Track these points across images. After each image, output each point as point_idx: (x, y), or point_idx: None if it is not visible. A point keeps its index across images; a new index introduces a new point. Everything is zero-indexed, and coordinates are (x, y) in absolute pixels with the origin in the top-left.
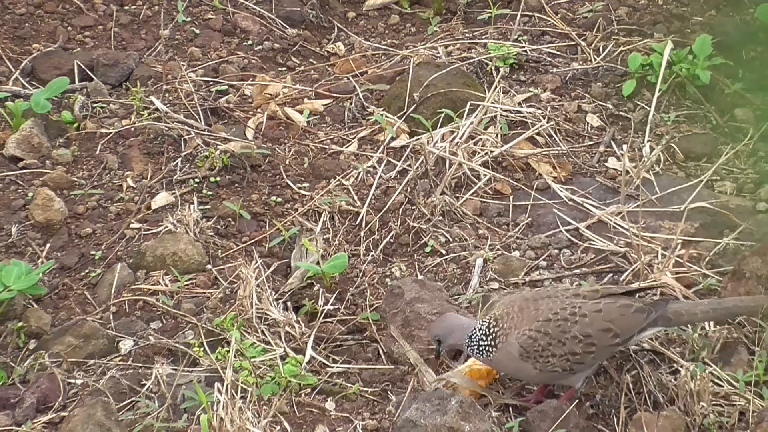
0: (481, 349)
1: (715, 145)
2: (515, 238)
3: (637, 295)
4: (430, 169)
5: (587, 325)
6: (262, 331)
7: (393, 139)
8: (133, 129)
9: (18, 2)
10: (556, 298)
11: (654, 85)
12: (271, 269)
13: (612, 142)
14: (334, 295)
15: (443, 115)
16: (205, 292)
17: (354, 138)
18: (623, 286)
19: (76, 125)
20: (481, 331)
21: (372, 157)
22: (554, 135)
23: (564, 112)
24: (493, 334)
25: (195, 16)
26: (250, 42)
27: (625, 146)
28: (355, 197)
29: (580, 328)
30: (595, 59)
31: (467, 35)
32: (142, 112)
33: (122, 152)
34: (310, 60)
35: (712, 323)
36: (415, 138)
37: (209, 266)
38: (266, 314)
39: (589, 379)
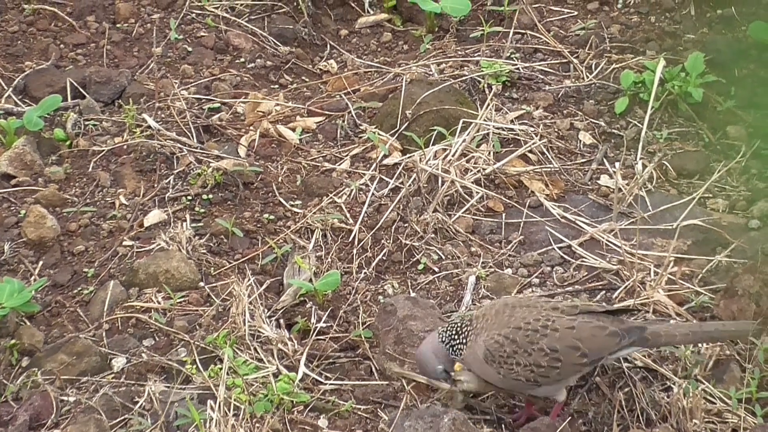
0: (454, 347)
1: (708, 163)
2: (508, 255)
3: (622, 315)
4: (423, 187)
5: (556, 340)
6: (255, 349)
7: (385, 156)
8: (125, 146)
9: (10, 20)
10: (534, 307)
11: (646, 103)
12: (264, 287)
13: (604, 160)
14: (327, 313)
15: (436, 132)
16: (197, 310)
17: (346, 155)
18: (602, 305)
19: (68, 143)
20: (451, 330)
21: (364, 174)
22: (546, 152)
23: (556, 130)
24: (465, 333)
25: (187, 34)
26: (242, 59)
27: (617, 164)
28: (348, 215)
29: (549, 341)
30: (588, 77)
31: (459, 53)
32: (134, 130)
33: (114, 170)
34: (303, 78)
35: None
36: (408, 155)
37: (202, 284)
38: (259, 332)
39: (582, 396)
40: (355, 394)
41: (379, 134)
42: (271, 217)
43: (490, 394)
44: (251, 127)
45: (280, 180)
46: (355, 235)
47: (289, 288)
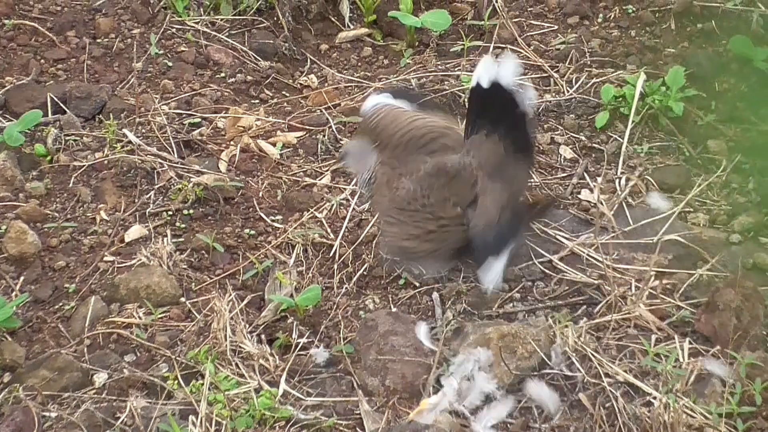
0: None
1: (688, 177)
2: None
3: None
4: None
5: None
6: (236, 364)
7: None
8: (106, 162)
9: None
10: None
11: (627, 117)
12: (245, 302)
13: (585, 174)
14: (308, 328)
15: None
16: (179, 325)
17: (327, 170)
18: None
19: (49, 158)
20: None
21: (345, 189)
22: None
23: (537, 144)
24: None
25: (167, 49)
26: (222, 74)
27: (598, 178)
28: (329, 230)
29: None
30: (568, 91)
31: (440, 67)
32: (115, 145)
33: (95, 185)
34: (283, 92)
35: (686, 353)
36: None
37: (183, 299)
38: (240, 347)
39: (563, 411)
40: (337, 409)
41: None
42: (252, 232)
43: None
44: (232, 142)
45: (260, 195)
46: (335, 250)
47: (270, 303)
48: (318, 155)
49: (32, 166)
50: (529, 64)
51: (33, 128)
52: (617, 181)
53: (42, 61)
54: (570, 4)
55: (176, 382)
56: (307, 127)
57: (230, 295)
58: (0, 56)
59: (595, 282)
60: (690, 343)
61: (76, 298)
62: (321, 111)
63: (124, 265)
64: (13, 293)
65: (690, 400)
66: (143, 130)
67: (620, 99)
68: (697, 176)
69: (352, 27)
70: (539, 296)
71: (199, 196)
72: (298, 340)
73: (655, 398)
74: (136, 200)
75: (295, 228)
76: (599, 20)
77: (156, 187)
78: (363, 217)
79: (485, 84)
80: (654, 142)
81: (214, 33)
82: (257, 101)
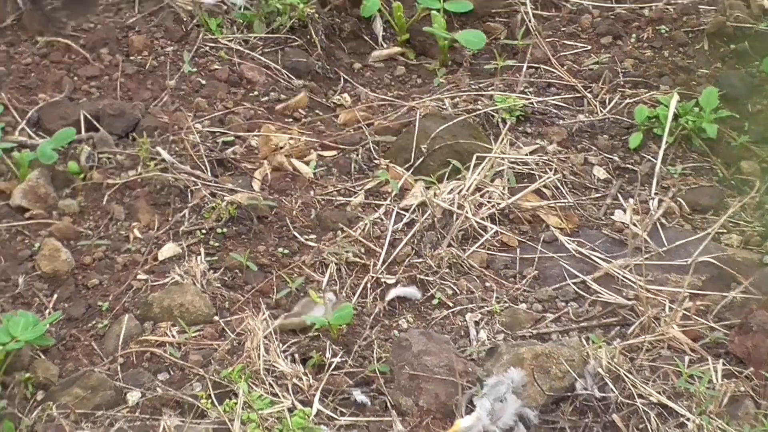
0: None
1: (722, 198)
2: (522, 290)
3: None
4: (437, 222)
5: None
6: (270, 383)
7: (400, 193)
8: (139, 180)
9: (24, 52)
10: None
11: (660, 138)
12: (278, 321)
13: (619, 195)
14: (342, 347)
15: (450, 167)
16: (212, 344)
17: (360, 190)
18: None
19: (82, 176)
20: None
21: (379, 208)
22: (561, 187)
23: (570, 165)
24: None
25: (201, 67)
26: (256, 93)
27: (631, 199)
28: (362, 249)
29: None
30: (602, 111)
31: (473, 86)
32: (148, 163)
33: (129, 203)
34: (316, 111)
35: (719, 374)
36: (424, 188)
37: (216, 317)
38: (273, 366)
39: None
40: (370, 429)
41: (394, 168)
42: (286, 251)
43: None
44: (265, 161)
45: (294, 214)
46: (369, 269)
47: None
48: (351, 174)
49: (65, 184)
50: (563, 84)
51: (66, 146)
52: (651, 201)
53: (75, 78)
54: (603, 24)
55: (210, 401)
56: (341, 146)
57: (264, 314)
58: (33, 73)
59: (629, 303)
60: (723, 364)
61: (110, 316)
62: (354, 130)
63: (157, 283)
64: (47, 311)
65: (723, 421)
66: (177, 149)
67: (653, 120)
68: (731, 197)
69: (385, 46)
70: (573, 317)
71: (233, 215)
72: (332, 360)
73: (688, 420)
74: (170, 218)
75: (329, 247)
76: (632, 40)
77: (189, 205)
78: (396, 237)
79: None
80: (687, 163)
81: (247, 51)
82: (290, 120)
